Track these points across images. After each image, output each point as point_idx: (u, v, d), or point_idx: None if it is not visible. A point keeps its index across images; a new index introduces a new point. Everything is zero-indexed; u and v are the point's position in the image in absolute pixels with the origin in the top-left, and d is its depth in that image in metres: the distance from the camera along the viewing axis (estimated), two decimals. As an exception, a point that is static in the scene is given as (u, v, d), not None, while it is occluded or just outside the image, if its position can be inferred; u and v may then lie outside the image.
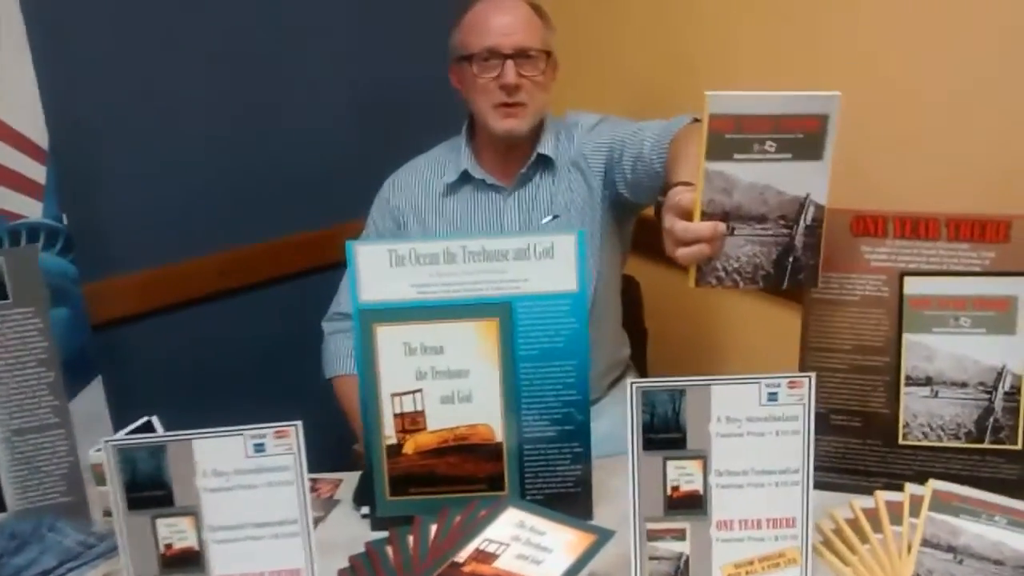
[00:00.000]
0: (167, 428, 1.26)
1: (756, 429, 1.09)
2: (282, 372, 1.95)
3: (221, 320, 2.04)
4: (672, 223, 1.09)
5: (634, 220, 1.74)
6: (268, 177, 2.06)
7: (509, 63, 1.52)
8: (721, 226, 1.07)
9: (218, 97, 1.97)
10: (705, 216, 1.07)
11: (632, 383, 1.09)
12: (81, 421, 1.30)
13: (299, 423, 1.05)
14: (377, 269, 1.19)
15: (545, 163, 1.63)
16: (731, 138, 1.05)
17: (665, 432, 1.10)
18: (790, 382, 1.08)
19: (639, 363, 1.97)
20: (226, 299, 2.04)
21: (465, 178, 1.65)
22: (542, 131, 1.63)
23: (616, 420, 1.74)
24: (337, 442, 1.54)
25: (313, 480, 1.39)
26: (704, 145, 1.05)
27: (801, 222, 1.09)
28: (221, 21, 1.95)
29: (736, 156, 1.06)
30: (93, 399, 1.79)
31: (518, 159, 1.62)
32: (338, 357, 1.66)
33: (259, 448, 1.05)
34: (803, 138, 1.05)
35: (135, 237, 1.91)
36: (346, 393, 1.62)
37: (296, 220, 2.10)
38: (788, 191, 1.08)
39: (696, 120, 1.43)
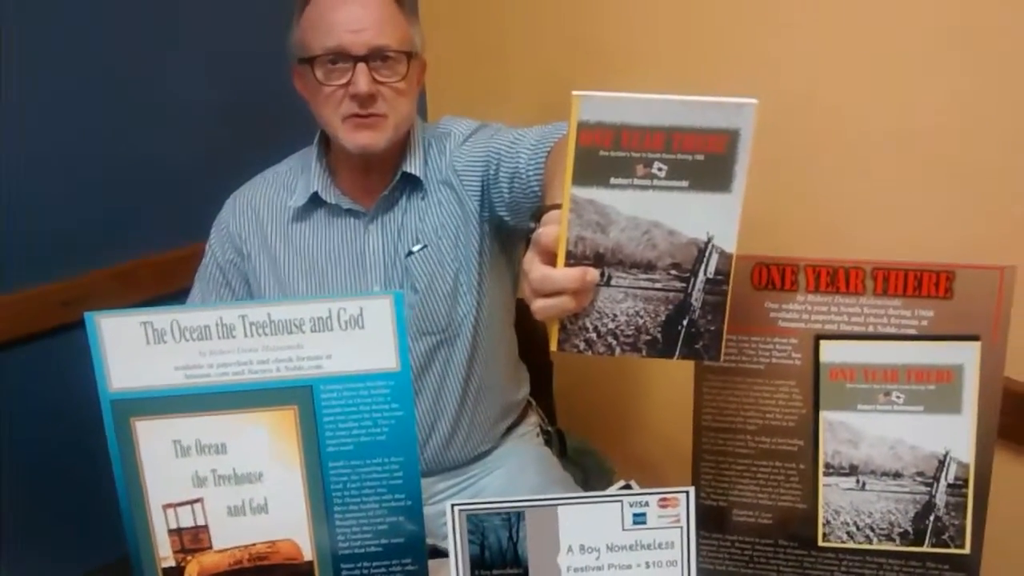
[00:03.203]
0: None
1: (620, 560, 0.84)
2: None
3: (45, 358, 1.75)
4: (530, 266, 0.83)
5: (524, 242, 1.47)
6: (111, 198, 1.76)
7: (361, 67, 1.25)
8: (592, 273, 0.81)
9: (66, 116, 1.67)
10: (572, 258, 0.82)
11: (453, 505, 0.83)
12: None
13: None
14: (130, 348, 0.91)
15: (412, 182, 1.37)
16: (607, 155, 0.79)
17: (501, 569, 0.83)
18: (661, 499, 0.82)
19: (544, 400, 1.73)
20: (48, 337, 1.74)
21: (316, 201, 1.38)
22: (408, 145, 1.37)
23: (512, 473, 1.50)
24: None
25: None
26: (570, 163, 0.79)
27: (700, 274, 0.83)
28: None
29: (613, 180, 0.80)
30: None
31: (380, 179, 1.37)
32: None
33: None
34: (704, 161, 0.79)
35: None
36: None
37: (126, 245, 1.80)
38: (684, 232, 0.82)
39: None
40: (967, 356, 0.95)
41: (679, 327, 0.84)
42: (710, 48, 1.49)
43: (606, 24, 1.67)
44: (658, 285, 0.83)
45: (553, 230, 0.82)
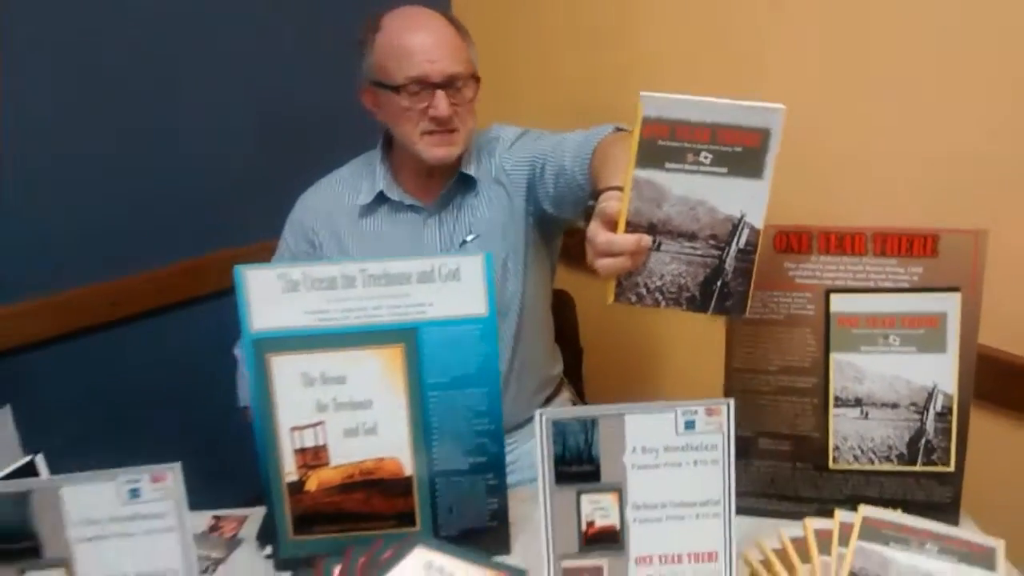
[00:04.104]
0: (66, 461, 1.16)
1: (673, 459, 1.03)
2: (200, 396, 1.85)
3: (127, 345, 1.94)
4: (595, 232, 1.02)
5: (561, 234, 1.67)
6: (162, 203, 1.96)
7: (440, 94, 1.42)
8: (646, 239, 1.00)
9: (110, 121, 1.86)
10: (630, 227, 1.00)
11: (540, 413, 1.02)
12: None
13: (177, 465, 0.96)
14: (269, 295, 1.11)
15: (466, 181, 1.56)
16: (664, 145, 0.98)
17: (578, 465, 1.03)
18: (708, 409, 1.02)
19: (575, 380, 1.90)
20: (131, 324, 1.93)
21: (381, 199, 1.57)
22: (465, 149, 1.56)
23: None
24: (251, 475, 1.45)
25: (216, 518, 1.31)
26: (634, 150, 0.98)
27: (733, 244, 1.01)
28: (112, 41, 1.84)
29: (668, 165, 0.98)
30: (2, 429, 1.69)
31: (439, 179, 1.55)
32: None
33: (134, 494, 0.96)
34: (741, 152, 0.98)
35: (40, 259, 1.80)
36: None
37: (204, 241, 2.00)
38: (722, 209, 1.00)
39: (619, 129, 1.37)
40: (950, 305, 1.15)
41: (713, 287, 1.03)
42: (725, 76, 1.71)
43: (630, 52, 1.88)
44: (699, 252, 1.02)
45: (615, 204, 1.01)
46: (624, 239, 0.99)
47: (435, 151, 1.47)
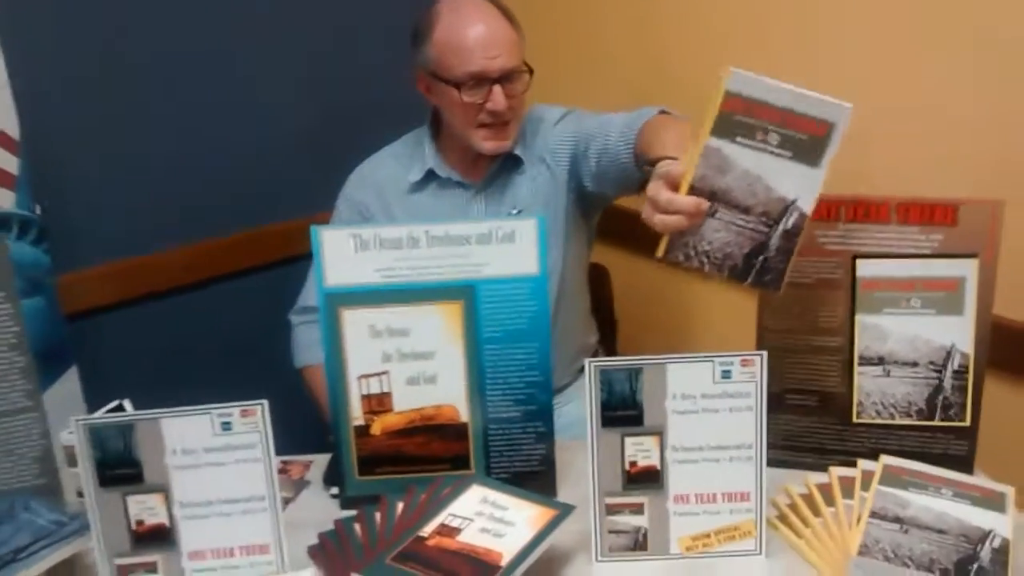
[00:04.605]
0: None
1: (710, 406, 1.13)
2: (254, 361, 1.96)
3: (191, 310, 2.07)
4: (657, 191, 1.10)
5: (600, 211, 1.76)
6: (235, 170, 2.09)
7: (497, 89, 1.50)
8: (705, 204, 1.08)
9: (189, 90, 1.99)
10: (693, 191, 1.08)
11: (590, 362, 1.12)
12: (56, 410, 1.32)
13: (265, 402, 1.07)
14: (342, 254, 1.22)
15: (512, 160, 1.64)
16: (739, 120, 1.06)
17: (623, 410, 1.13)
18: (743, 360, 1.12)
19: (609, 350, 2.00)
20: (196, 290, 2.06)
21: (430, 176, 1.65)
22: None
23: (584, 405, 1.78)
24: (306, 430, 1.56)
25: (284, 462, 1.42)
26: (711, 119, 1.06)
27: (781, 225, 1.09)
28: (193, 13, 1.96)
29: (739, 139, 1.07)
30: (68, 388, 1.81)
31: (487, 159, 1.63)
32: (307, 347, 1.68)
33: (226, 426, 1.07)
34: (806, 140, 1.06)
35: (107, 228, 1.93)
36: (315, 382, 1.64)
37: (264, 212, 2.13)
38: (777, 190, 1.08)
39: (663, 112, 1.45)
40: (968, 270, 1.23)
41: (755, 261, 1.12)
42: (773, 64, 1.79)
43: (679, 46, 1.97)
44: (749, 226, 1.10)
45: (680, 167, 1.09)
46: (685, 200, 1.08)
47: (489, 144, 1.55)
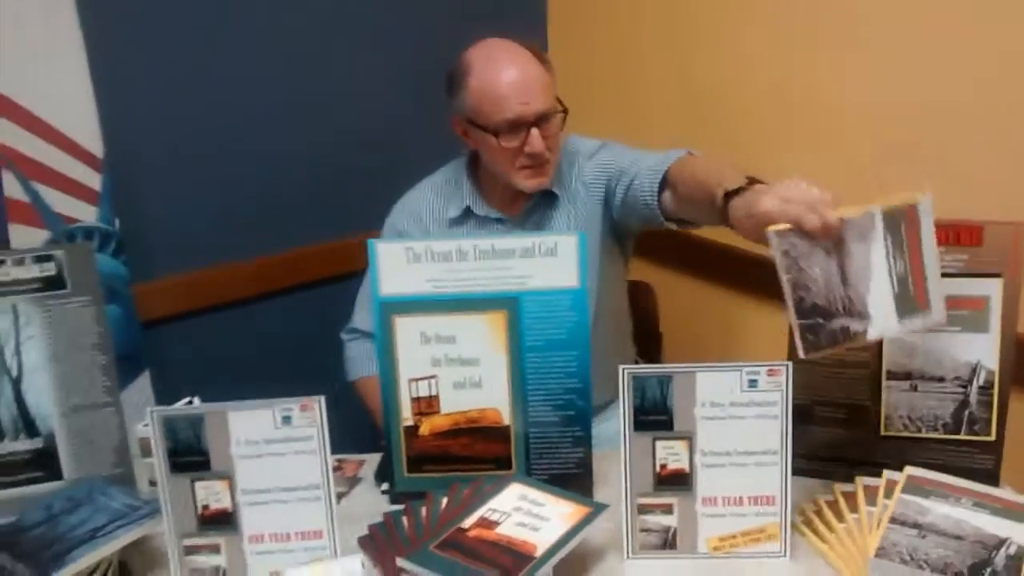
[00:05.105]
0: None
1: (738, 413, 1.19)
2: (309, 370, 2.06)
3: (256, 321, 2.18)
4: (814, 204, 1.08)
5: (632, 238, 1.80)
6: (301, 189, 2.21)
7: (535, 132, 1.53)
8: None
9: (255, 119, 2.12)
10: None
11: (623, 368, 1.19)
12: (130, 411, 1.43)
13: (322, 397, 1.17)
14: (396, 265, 1.31)
15: (548, 195, 1.69)
16: None
17: (654, 414, 1.20)
18: (769, 370, 1.18)
19: (654, 363, 2.05)
20: (261, 301, 2.18)
21: (468, 213, 1.71)
22: None
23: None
24: (359, 439, 1.64)
25: (339, 460, 1.51)
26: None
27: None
28: (266, 44, 2.09)
29: None
30: (141, 391, 1.94)
31: (524, 195, 1.68)
32: (359, 361, 1.77)
33: (287, 420, 1.17)
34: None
35: (179, 241, 2.05)
36: (368, 393, 1.73)
37: (324, 230, 2.24)
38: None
39: (691, 154, 1.50)
40: (993, 289, 1.28)
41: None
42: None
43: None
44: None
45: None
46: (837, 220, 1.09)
47: (531, 182, 1.60)
